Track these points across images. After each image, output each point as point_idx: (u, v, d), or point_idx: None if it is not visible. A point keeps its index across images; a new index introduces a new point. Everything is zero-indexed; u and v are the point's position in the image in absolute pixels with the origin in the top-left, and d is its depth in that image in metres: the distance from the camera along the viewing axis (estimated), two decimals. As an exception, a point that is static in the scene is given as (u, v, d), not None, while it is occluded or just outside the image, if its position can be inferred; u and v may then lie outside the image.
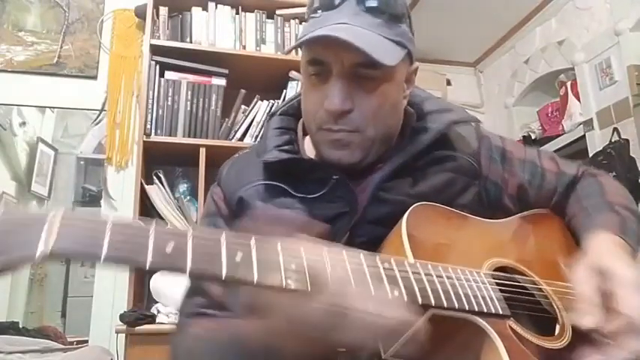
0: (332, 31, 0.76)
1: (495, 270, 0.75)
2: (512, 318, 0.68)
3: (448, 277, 0.64)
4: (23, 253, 0.43)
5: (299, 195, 0.84)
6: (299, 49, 0.85)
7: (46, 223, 0.45)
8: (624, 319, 0.66)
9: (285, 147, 0.88)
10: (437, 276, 0.63)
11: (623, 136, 2.61)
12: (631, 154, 2.55)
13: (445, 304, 0.60)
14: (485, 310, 0.64)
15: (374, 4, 0.79)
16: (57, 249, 0.44)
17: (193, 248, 0.49)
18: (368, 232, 0.80)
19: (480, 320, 0.64)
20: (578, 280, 0.73)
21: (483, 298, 0.65)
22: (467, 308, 0.62)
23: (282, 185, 0.86)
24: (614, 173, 2.48)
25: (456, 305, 0.61)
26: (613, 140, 2.65)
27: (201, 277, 0.50)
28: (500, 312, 0.65)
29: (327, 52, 0.79)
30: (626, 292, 0.68)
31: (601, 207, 0.89)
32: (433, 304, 0.60)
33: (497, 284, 0.70)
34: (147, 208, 2.20)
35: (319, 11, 0.81)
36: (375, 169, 0.86)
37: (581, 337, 0.73)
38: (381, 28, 0.79)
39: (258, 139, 2.29)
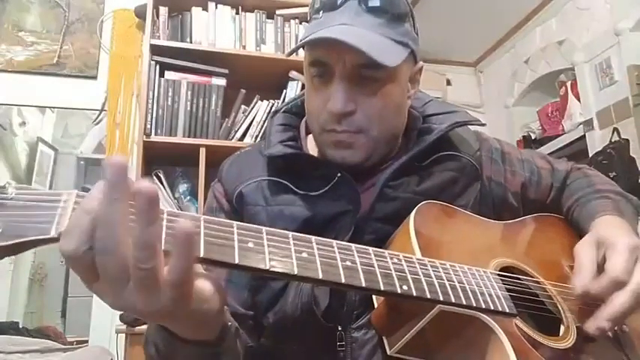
0: (333, 32, 0.75)
1: (501, 270, 0.75)
2: (518, 317, 0.68)
3: (456, 274, 0.64)
4: (38, 233, 0.43)
5: (301, 192, 0.84)
6: (301, 49, 0.84)
7: (60, 204, 0.45)
8: (610, 276, 0.71)
9: (289, 143, 0.88)
10: (445, 272, 0.63)
11: (623, 136, 2.62)
12: (631, 154, 2.55)
13: (453, 300, 0.60)
14: (492, 308, 0.64)
15: (376, 3, 0.78)
16: None
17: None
18: (377, 230, 0.80)
19: (487, 318, 0.64)
20: (577, 252, 0.78)
21: (490, 296, 0.65)
22: (474, 305, 0.62)
23: (285, 182, 0.86)
24: (614, 173, 2.49)
25: (464, 302, 0.61)
26: (613, 140, 2.65)
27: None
28: (507, 310, 0.65)
29: (329, 53, 0.79)
30: (616, 254, 0.73)
31: (593, 196, 0.93)
32: (441, 300, 0.59)
33: (503, 283, 0.70)
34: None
35: (321, 12, 0.81)
36: (379, 170, 0.86)
37: (586, 339, 0.73)
38: (383, 29, 0.78)
39: (259, 138, 2.30)
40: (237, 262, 0.48)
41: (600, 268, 0.74)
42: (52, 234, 0.43)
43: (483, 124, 0.95)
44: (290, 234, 0.54)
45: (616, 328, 0.78)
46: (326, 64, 0.80)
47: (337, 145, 0.83)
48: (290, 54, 0.83)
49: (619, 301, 0.70)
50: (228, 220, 0.52)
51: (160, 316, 0.50)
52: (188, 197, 2.32)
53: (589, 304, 0.77)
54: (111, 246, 0.43)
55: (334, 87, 0.79)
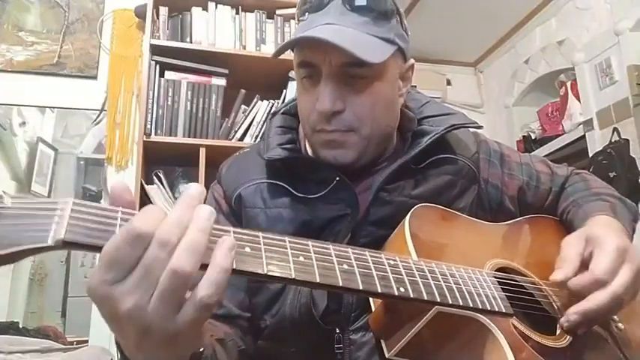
0: (316, 32, 0.76)
1: (497, 271, 0.75)
2: (514, 317, 0.68)
3: (452, 276, 0.65)
4: (34, 242, 0.43)
5: (300, 195, 0.84)
6: (292, 51, 0.85)
7: (57, 212, 0.45)
8: (592, 274, 0.71)
9: (288, 145, 0.88)
10: (441, 274, 0.63)
11: (623, 136, 2.61)
12: (631, 154, 2.55)
13: (450, 302, 0.61)
14: (488, 308, 0.64)
15: (361, 2, 0.79)
16: (68, 239, 0.44)
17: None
18: (371, 233, 0.80)
19: (484, 318, 0.64)
20: (564, 244, 0.78)
21: (487, 296, 0.65)
22: (471, 305, 0.62)
23: (283, 184, 0.86)
24: (614, 173, 2.48)
25: (461, 302, 0.61)
26: (613, 140, 2.65)
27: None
28: (504, 310, 0.66)
29: (314, 54, 0.79)
30: (603, 253, 0.72)
31: (590, 198, 0.93)
32: (438, 301, 0.60)
33: (499, 284, 0.70)
34: (147, 208, 2.19)
35: (307, 14, 0.81)
36: (374, 172, 0.86)
37: (582, 337, 0.73)
38: (368, 26, 0.79)
39: (259, 138, 2.29)
40: (234, 267, 0.48)
41: (585, 264, 0.74)
42: (49, 242, 0.43)
43: (480, 127, 0.94)
44: (287, 238, 0.54)
45: (613, 325, 0.78)
46: (313, 64, 0.80)
47: (328, 145, 0.83)
48: (276, 55, 0.83)
49: (595, 299, 0.70)
50: (225, 227, 0.52)
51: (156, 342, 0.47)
52: (188, 197, 2.32)
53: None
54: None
55: (322, 87, 0.80)
